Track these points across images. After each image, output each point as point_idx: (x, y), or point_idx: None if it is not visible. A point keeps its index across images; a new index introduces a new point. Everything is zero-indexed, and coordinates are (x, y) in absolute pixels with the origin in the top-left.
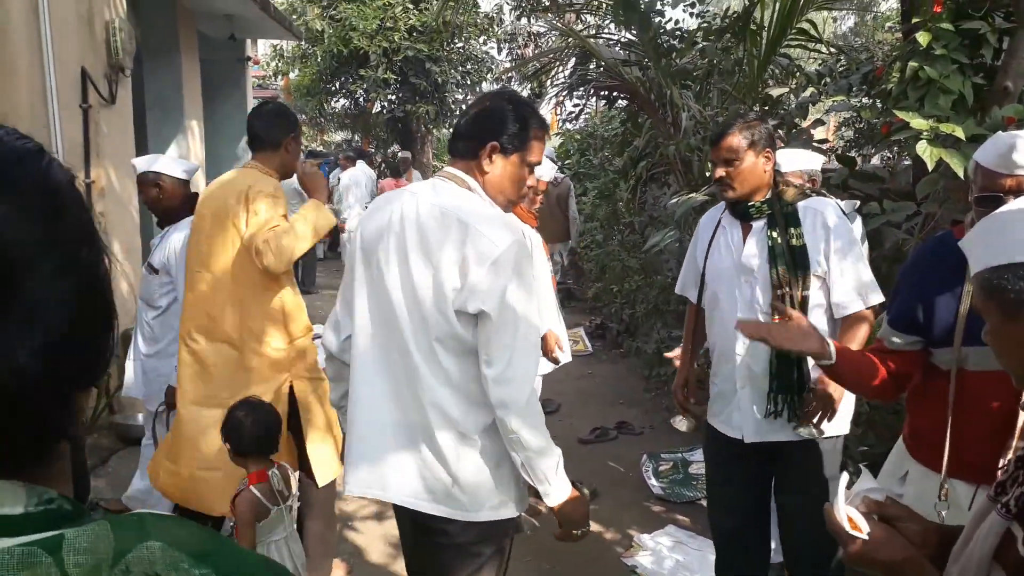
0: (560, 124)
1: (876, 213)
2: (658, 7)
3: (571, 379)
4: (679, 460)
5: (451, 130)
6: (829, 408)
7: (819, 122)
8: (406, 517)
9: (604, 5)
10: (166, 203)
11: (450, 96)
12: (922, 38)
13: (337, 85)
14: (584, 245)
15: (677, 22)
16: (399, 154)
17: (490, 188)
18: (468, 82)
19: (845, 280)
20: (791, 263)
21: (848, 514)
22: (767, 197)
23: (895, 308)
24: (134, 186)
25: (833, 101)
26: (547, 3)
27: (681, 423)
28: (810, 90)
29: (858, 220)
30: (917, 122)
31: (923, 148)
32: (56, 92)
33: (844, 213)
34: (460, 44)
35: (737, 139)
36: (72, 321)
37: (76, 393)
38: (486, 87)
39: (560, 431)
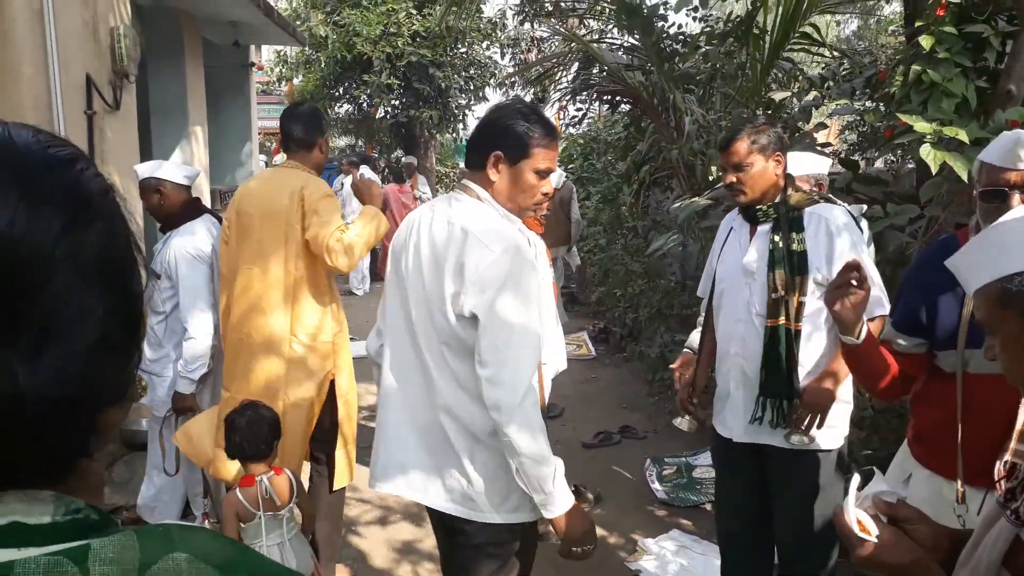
0: (563, 129)
1: (879, 217)
2: (661, 11)
3: (574, 383)
4: (683, 464)
5: (454, 135)
6: (817, 415)
7: (821, 125)
8: (435, 516)
9: (607, 10)
10: (167, 209)
11: (453, 101)
12: (925, 42)
13: (341, 90)
14: (587, 249)
15: (680, 26)
16: (403, 160)
17: (499, 197)
18: (471, 87)
19: None
20: (790, 268)
21: (857, 516)
22: (776, 201)
23: (899, 310)
24: (138, 192)
25: (836, 105)
26: (550, 8)
27: (683, 423)
28: (813, 94)
29: (864, 224)
30: (920, 125)
31: (927, 152)
32: (61, 98)
33: (855, 219)
34: (463, 49)
35: (746, 144)
36: (95, 338)
37: (103, 410)
38: (489, 92)
39: (563, 435)
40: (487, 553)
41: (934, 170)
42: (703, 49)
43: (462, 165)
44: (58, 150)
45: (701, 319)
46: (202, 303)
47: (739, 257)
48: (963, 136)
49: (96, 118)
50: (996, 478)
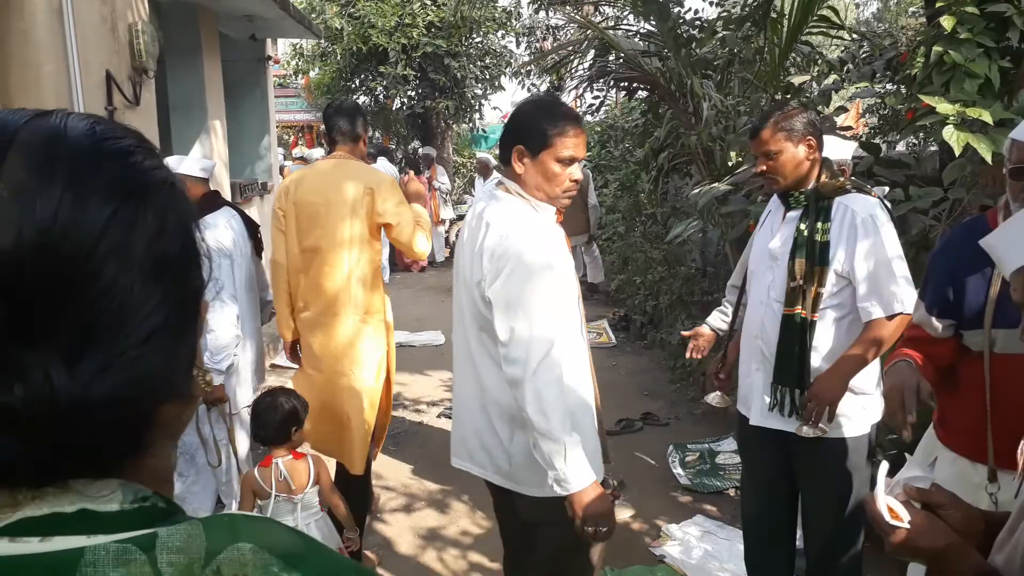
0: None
1: (902, 200)
2: None
3: (595, 371)
4: (705, 451)
5: (471, 125)
6: (825, 407)
7: (842, 109)
8: (495, 489)
9: None
10: None
11: (469, 91)
12: (947, 22)
13: (357, 82)
14: (606, 237)
15: (696, 12)
16: (421, 150)
17: (527, 188)
18: (487, 76)
19: (867, 283)
20: (811, 257)
21: (888, 503)
22: (809, 188)
23: (930, 293)
24: None
25: (856, 88)
26: None
27: (715, 398)
28: (832, 77)
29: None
30: (943, 107)
31: (949, 133)
32: (81, 95)
33: (888, 209)
34: (478, 39)
35: (771, 132)
36: (144, 335)
37: (158, 406)
38: (505, 81)
39: None
40: (544, 525)
41: (957, 152)
42: (720, 34)
43: (478, 154)
44: (114, 142)
45: (726, 300)
46: (224, 295)
47: (768, 240)
48: (986, 117)
49: (116, 114)
50: (1020, 459)
